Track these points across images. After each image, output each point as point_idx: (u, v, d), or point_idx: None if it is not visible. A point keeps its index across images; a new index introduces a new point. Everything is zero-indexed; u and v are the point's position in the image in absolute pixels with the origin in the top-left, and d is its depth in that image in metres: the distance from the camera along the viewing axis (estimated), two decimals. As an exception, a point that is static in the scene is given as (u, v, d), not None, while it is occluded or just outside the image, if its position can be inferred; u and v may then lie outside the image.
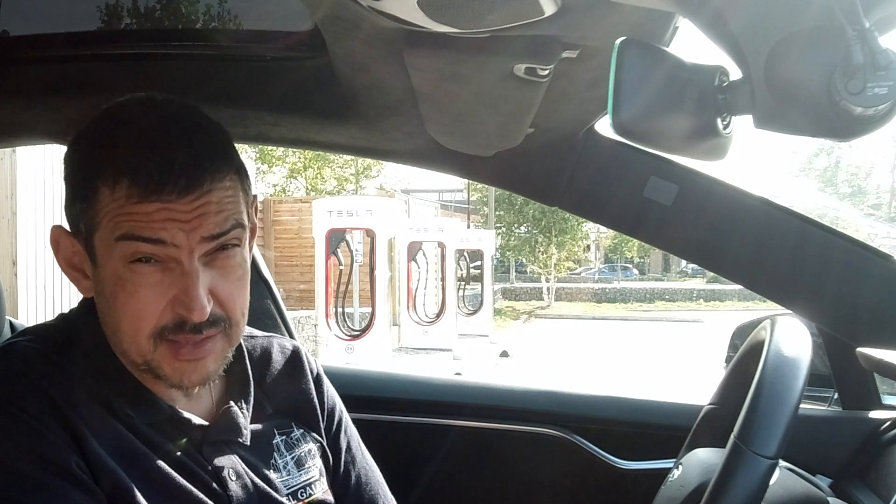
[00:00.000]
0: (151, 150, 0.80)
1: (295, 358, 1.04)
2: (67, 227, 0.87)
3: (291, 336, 1.65)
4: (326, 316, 9.53)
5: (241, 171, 0.86)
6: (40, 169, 6.26)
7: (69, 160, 0.86)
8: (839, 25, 0.60)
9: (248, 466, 0.90)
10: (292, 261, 12.70)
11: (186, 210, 0.80)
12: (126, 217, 0.80)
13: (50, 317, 0.95)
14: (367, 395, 1.59)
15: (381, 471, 1.09)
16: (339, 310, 9.66)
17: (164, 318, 0.82)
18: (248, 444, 0.92)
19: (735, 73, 0.71)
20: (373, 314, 9.67)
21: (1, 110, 1.31)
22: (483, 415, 1.56)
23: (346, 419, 1.07)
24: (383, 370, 1.77)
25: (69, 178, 0.86)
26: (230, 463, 0.89)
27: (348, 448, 1.05)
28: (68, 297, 6.51)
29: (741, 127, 0.75)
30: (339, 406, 1.07)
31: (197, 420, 0.88)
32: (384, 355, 9.61)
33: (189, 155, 0.81)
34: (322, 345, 9.44)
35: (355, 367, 1.78)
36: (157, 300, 0.81)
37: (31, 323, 1.19)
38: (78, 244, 0.86)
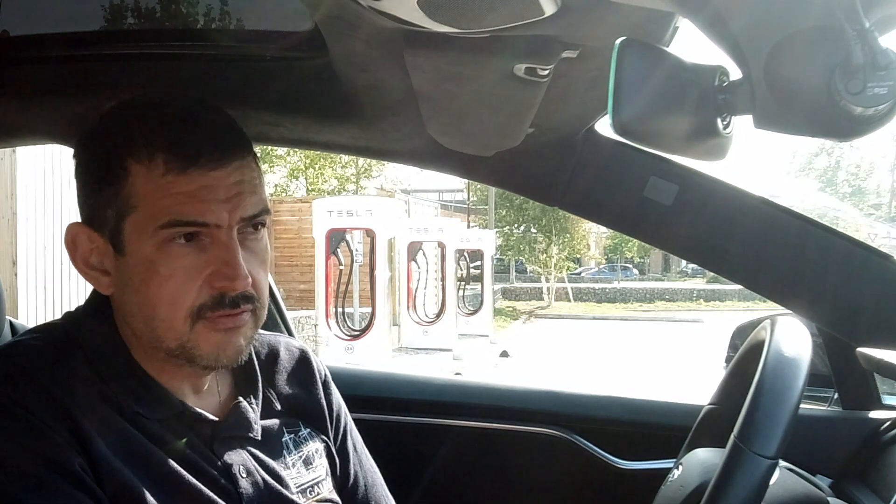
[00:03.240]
0: (182, 124, 0.82)
1: (303, 359, 1.04)
2: (83, 222, 0.86)
3: (291, 336, 1.65)
4: (326, 316, 9.53)
5: (258, 160, 0.88)
6: (40, 169, 6.27)
7: (88, 149, 0.85)
8: (839, 25, 0.60)
9: (258, 463, 0.90)
10: (292, 261, 12.70)
11: (224, 185, 0.81)
12: (168, 199, 0.79)
13: (50, 317, 0.95)
14: (367, 395, 1.59)
15: (382, 471, 1.09)
16: (339, 310, 9.66)
17: (202, 297, 0.82)
18: (259, 439, 0.91)
19: (735, 73, 0.71)
20: (373, 314, 9.67)
21: (1, 110, 1.31)
22: (483, 415, 1.56)
23: (351, 423, 1.08)
24: (383, 370, 1.77)
25: (90, 167, 0.84)
26: (241, 459, 0.88)
27: (354, 451, 1.05)
28: (68, 297, 6.51)
29: (741, 127, 0.75)
30: (345, 410, 1.07)
31: (208, 415, 0.88)
32: (384, 355, 9.61)
33: (218, 129, 0.83)
34: (322, 345, 9.44)
35: (355, 367, 1.78)
36: (193, 280, 0.81)
37: (31, 323, 1.19)
38: (98, 238, 0.84)
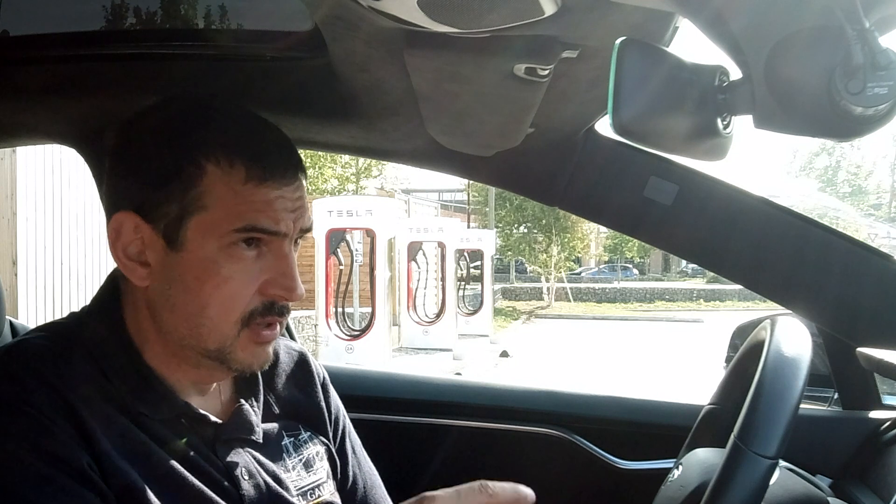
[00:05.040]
0: (262, 136, 0.85)
1: (302, 362, 1.05)
2: (132, 211, 0.84)
3: (292, 336, 1.65)
4: (326, 316, 9.53)
5: None
6: (40, 169, 6.27)
7: (146, 142, 0.84)
8: (839, 25, 0.60)
9: (259, 465, 0.90)
10: (292, 261, 12.68)
11: (293, 198, 0.85)
12: (245, 205, 0.81)
13: (50, 317, 0.95)
14: (367, 395, 1.59)
15: (382, 471, 1.09)
16: (339, 310, 9.65)
17: (254, 303, 0.84)
18: (260, 441, 0.92)
19: (735, 73, 0.71)
20: (373, 314, 9.66)
21: (1, 110, 1.31)
22: (483, 415, 1.56)
23: (350, 425, 1.08)
24: (383, 370, 1.77)
25: (150, 159, 0.83)
26: (243, 461, 0.88)
27: (353, 453, 1.05)
28: (68, 297, 6.51)
29: (741, 127, 0.75)
30: (343, 412, 1.07)
31: (211, 417, 0.88)
32: (384, 355, 9.61)
33: (289, 145, 0.87)
34: (322, 345, 9.44)
35: (355, 367, 1.78)
36: (250, 284, 0.83)
37: (31, 323, 1.19)
38: (147, 229, 0.83)
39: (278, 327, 0.87)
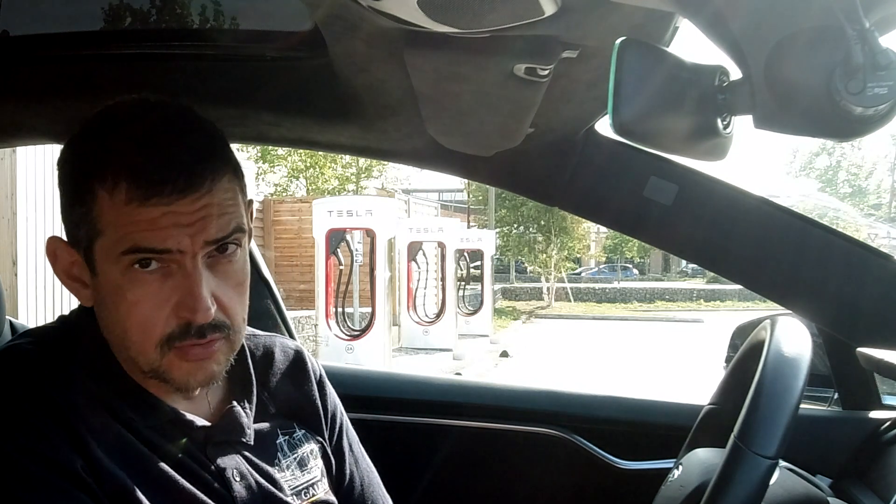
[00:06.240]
0: (147, 150, 0.79)
1: (298, 359, 1.04)
2: (64, 236, 0.86)
3: (292, 336, 1.65)
4: (326, 316, 9.53)
5: (238, 173, 0.85)
6: (40, 169, 6.26)
7: (64, 164, 0.85)
8: (839, 25, 0.60)
9: (252, 466, 0.90)
10: (292, 261, 12.69)
11: (189, 212, 0.79)
12: (130, 227, 0.78)
13: (50, 316, 0.95)
14: (367, 395, 1.59)
15: (381, 471, 1.09)
16: (339, 310, 9.65)
17: (170, 326, 0.81)
18: (252, 443, 0.91)
19: (735, 73, 0.71)
20: (373, 314, 9.66)
21: (1, 110, 1.31)
22: (483, 415, 1.56)
23: (347, 422, 1.07)
24: (383, 370, 1.77)
25: (65, 182, 0.84)
26: (234, 463, 0.88)
27: (350, 451, 1.05)
28: (68, 297, 6.48)
29: (741, 127, 0.75)
30: (341, 409, 1.07)
31: (200, 421, 0.88)
32: (384, 355, 9.60)
33: (187, 153, 0.80)
34: (322, 345, 9.44)
35: (355, 367, 1.78)
36: (160, 308, 0.80)
37: (31, 323, 1.19)
38: (75, 254, 0.84)
39: (215, 346, 0.83)
